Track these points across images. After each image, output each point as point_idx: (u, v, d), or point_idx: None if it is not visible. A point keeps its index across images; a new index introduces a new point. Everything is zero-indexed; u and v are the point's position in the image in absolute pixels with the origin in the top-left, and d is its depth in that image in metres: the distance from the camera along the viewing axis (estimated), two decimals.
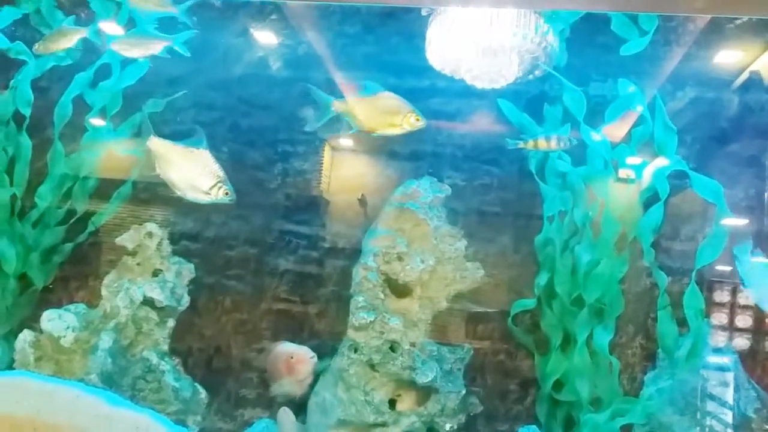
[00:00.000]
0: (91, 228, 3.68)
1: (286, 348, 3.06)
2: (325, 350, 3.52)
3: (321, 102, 2.89)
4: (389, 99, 2.84)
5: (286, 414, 3.05)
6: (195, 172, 2.77)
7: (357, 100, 2.88)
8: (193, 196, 2.80)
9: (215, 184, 2.74)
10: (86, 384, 2.82)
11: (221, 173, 2.77)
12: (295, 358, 3.00)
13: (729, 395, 2.99)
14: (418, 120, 2.80)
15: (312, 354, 2.97)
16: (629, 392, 3.33)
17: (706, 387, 3.04)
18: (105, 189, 3.73)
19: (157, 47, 3.11)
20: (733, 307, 3.64)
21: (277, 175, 3.84)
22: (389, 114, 2.81)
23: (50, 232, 3.65)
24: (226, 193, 2.75)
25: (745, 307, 3.64)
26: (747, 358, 3.38)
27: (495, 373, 3.60)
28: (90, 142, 3.66)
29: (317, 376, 3.18)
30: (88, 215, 3.70)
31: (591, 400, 3.24)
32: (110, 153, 3.71)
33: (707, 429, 3.00)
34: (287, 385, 3.03)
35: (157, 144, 2.85)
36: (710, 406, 3.00)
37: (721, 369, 3.08)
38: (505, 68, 3.11)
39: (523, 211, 3.72)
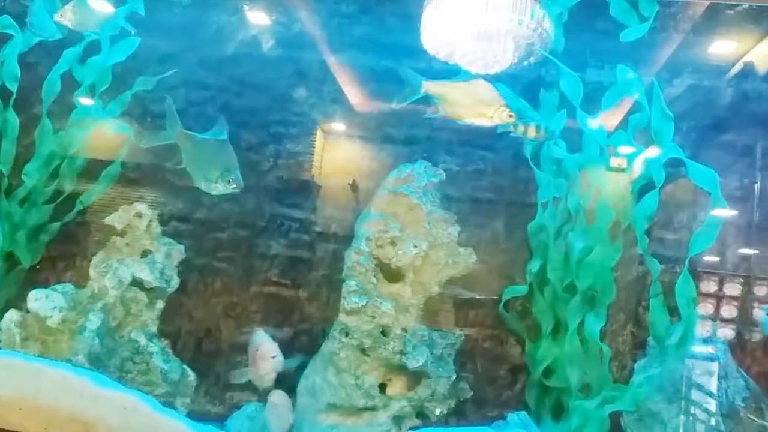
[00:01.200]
0: (79, 207, 3.63)
1: (257, 338, 3.04)
2: (315, 333, 3.51)
3: (410, 81, 2.81)
4: (484, 89, 2.77)
5: (278, 397, 3.02)
6: (206, 163, 2.74)
7: (450, 84, 2.82)
8: (204, 187, 2.78)
9: (220, 174, 2.71)
10: (73, 365, 2.80)
11: (231, 162, 2.74)
12: (258, 352, 2.98)
13: (718, 384, 3.01)
14: (511, 116, 2.72)
15: (275, 353, 2.92)
16: (619, 380, 3.35)
17: (695, 375, 3.06)
18: (94, 168, 3.67)
19: (102, 19, 3.04)
20: (719, 298, 3.65)
21: (270, 157, 3.79)
22: (481, 104, 2.74)
23: (37, 210, 3.59)
24: (229, 182, 2.71)
25: (732, 298, 3.66)
26: (736, 348, 3.40)
27: (485, 359, 3.60)
28: (79, 120, 3.59)
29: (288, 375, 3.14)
30: (76, 194, 3.64)
31: (581, 386, 3.25)
32: (100, 131, 3.64)
33: (693, 417, 3.01)
34: (251, 376, 3.01)
35: (182, 136, 2.82)
36: (699, 394, 3.02)
37: (711, 358, 3.10)
38: (500, 54, 3.08)
39: (516, 197, 3.70)
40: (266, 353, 2.92)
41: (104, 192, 3.68)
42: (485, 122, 2.76)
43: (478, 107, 2.75)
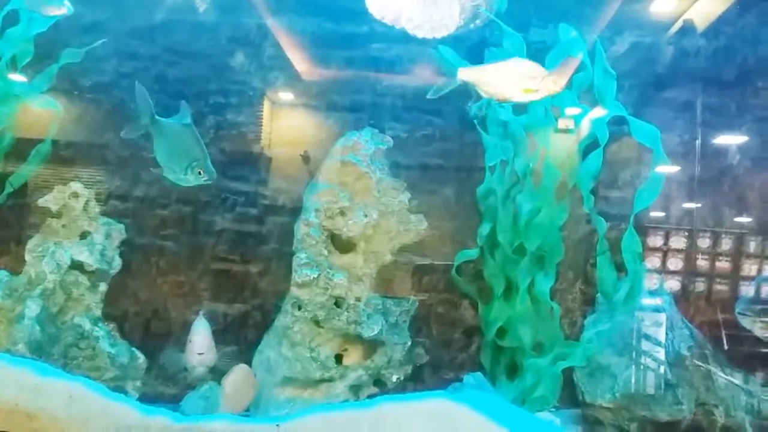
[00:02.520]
0: (9, 189, 3.44)
1: (193, 328, 2.95)
2: (268, 308, 3.44)
3: (445, 70, 2.69)
4: (521, 63, 2.67)
5: (236, 374, 2.93)
6: (174, 152, 2.56)
7: (486, 67, 2.73)
8: (173, 178, 2.59)
9: (189, 165, 2.52)
10: (13, 355, 2.68)
11: (198, 151, 2.54)
12: (189, 344, 2.91)
13: (664, 335, 3.11)
14: (555, 84, 2.62)
15: (202, 350, 2.86)
16: (570, 336, 3.42)
17: (643, 328, 3.15)
18: (22, 147, 3.47)
19: None
20: (666, 252, 3.77)
21: (210, 129, 3.65)
22: (524, 78, 2.62)
23: None
24: (200, 173, 2.53)
25: (677, 251, 3.77)
26: (680, 299, 3.52)
27: (440, 324, 3.63)
28: (2, 96, 3.36)
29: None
30: (4, 175, 3.44)
31: (533, 345, 3.31)
32: (26, 108, 3.44)
33: (642, 368, 3.11)
34: (185, 362, 2.95)
35: (154, 123, 2.60)
36: (647, 345, 3.11)
37: (657, 310, 3.19)
38: (446, 17, 3.04)
39: (465, 161, 3.69)
40: (193, 349, 2.86)
41: (35, 172, 3.49)
42: (533, 96, 2.65)
43: (521, 83, 2.64)
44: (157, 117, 2.62)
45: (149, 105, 2.63)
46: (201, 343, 2.90)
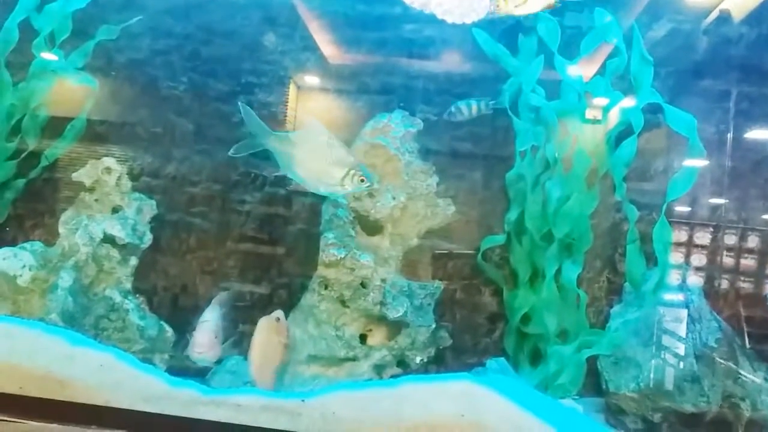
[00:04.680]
0: (44, 163, 3.51)
1: (201, 318, 2.83)
2: (294, 287, 3.47)
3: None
4: None
5: (260, 333, 2.74)
6: (320, 164, 2.51)
7: None
8: (326, 190, 2.57)
9: (347, 173, 2.49)
10: (47, 324, 2.75)
11: (351, 158, 2.50)
12: (193, 338, 2.78)
13: (692, 327, 3.07)
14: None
15: (201, 349, 2.72)
16: (595, 325, 3.39)
17: (669, 320, 3.11)
18: (58, 122, 3.53)
19: None
20: (690, 246, 3.70)
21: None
22: None
23: (0, 167, 3.46)
24: (362, 180, 2.50)
25: (701, 246, 3.70)
26: (709, 293, 3.45)
27: (464, 308, 3.62)
28: (39, 71, 3.42)
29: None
30: (40, 150, 3.51)
31: (558, 332, 3.29)
32: (63, 84, 3.50)
33: (667, 360, 3.08)
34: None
35: (275, 141, 2.58)
36: (673, 336, 3.08)
37: (685, 302, 3.15)
38: (476, 2, 3.00)
39: (495, 146, 3.66)
40: (192, 343, 2.75)
41: (70, 147, 3.55)
42: None
43: None
44: (277, 133, 2.58)
45: (260, 123, 2.58)
46: (202, 342, 2.75)
